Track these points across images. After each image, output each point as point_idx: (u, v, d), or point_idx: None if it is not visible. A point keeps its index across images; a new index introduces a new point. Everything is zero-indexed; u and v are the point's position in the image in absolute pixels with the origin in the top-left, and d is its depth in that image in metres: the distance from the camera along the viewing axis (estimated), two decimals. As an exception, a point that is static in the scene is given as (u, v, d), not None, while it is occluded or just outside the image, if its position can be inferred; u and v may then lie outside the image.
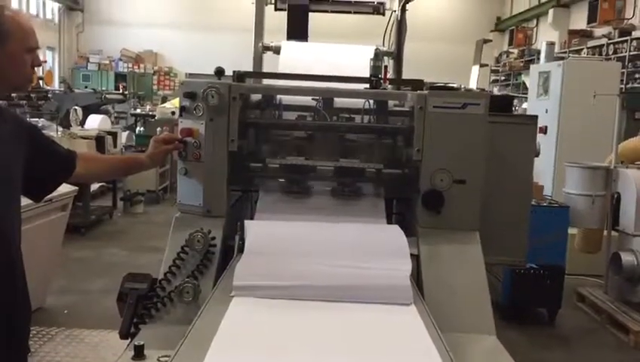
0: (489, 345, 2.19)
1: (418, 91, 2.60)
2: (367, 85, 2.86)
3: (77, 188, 5.08)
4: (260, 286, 2.04)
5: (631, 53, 11.88)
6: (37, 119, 9.89)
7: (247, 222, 2.40)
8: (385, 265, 2.17)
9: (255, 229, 2.39)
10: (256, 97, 2.86)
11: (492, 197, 2.73)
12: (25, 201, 2.12)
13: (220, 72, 2.71)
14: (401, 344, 1.79)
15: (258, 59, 3.73)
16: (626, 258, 5.43)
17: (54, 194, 4.76)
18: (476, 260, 2.45)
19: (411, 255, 2.42)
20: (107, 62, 21.39)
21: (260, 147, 2.77)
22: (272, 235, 2.38)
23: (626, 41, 12.15)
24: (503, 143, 3.03)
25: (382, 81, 2.97)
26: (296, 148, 2.78)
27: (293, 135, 2.81)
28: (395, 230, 2.45)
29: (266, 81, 3.20)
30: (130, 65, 21.34)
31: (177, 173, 2.56)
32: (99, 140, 8.32)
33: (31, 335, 4.53)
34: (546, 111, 8.01)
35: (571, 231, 5.82)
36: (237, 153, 2.54)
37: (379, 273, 2.13)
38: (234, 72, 2.71)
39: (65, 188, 4.97)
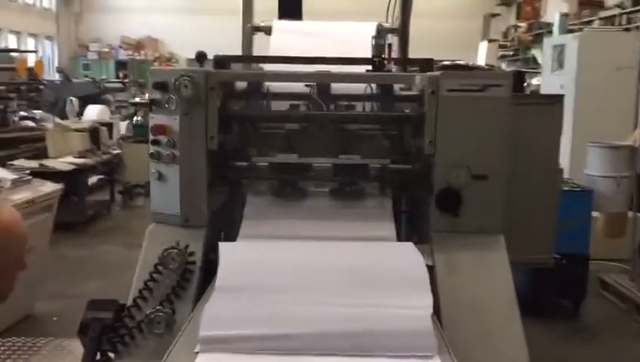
0: None
1: (428, 73, 2.23)
2: (370, 67, 2.50)
3: (61, 186, 4.75)
4: (235, 337, 1.58)
5: (646, 23, 11.35)
6: (34, 111, 9.60)
7: (221, 246, 1.98)
8: (399, 302, 1.72)
9: (230, 255, 1.92)
10: (242, 85, 2.49)
11: (514, 188, 2.36)
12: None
13: (201, 56, 2.35)
14: None
15: (247, 42, 3.34)
16: (655, 243, 5.05)
17: (36, 195, 4.47)
18: (502, 269, 2.09)
19: (426, 265, 2.06)
20: (107, 50, 21.02)
21: (246, 143, 2.41)
22: (253, 263, 1.91)
23: (640, 10, 11.61)
24: (526, 128, 2.67)
25: (386, 62, 2.59)
26: (289, 143, 2.41)
27: (285, 128, 2.44)
28: (410, 250, 2.00)
29: (256, 66, 2.82)
30: (130, 52, 20.95)
31: (149, 176, 2.21)
32: (93, 132, 7.97)
33: (16, 347, 4.28)
34: (561, 87, 7.57)
35: (594, 214, 5.44)
36: (218, 152, 2.18)
37: (391, 313, 1.67)
38: (214, 56, 2.34)
39: (48, 187, 4.66)
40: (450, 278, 2.05)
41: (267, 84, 2.47)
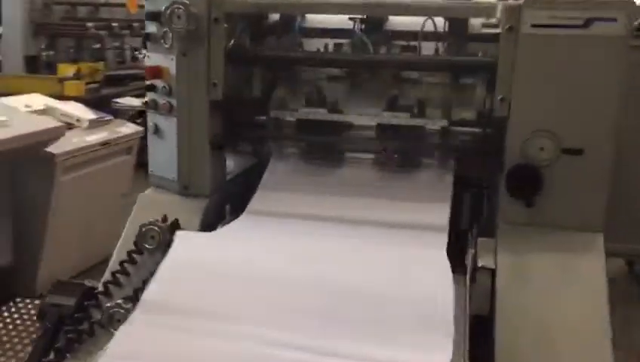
0: None
1: (510, 1, 1.59)
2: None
3: (142, 128, 4.54)
4: None
5: None
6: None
7: (178, 234, 1.52)
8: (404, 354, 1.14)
9: (180, 253, 1.43)
10: (271, 17, 1.97)
11: (618, 159, 1.72)
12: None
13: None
14: None
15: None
16: None
17: (113, 136, 4.29)
18: (596, 283, 1.48)
19: (484, 268, 1.52)
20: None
21: (265, 93, 1.92)
22: (207, 268, 1.40)
23: None
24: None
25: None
26: (322, 94, 1.88)
27: (319, 75, 1.91)
28: (441, 272, 1.36)
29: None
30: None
31: (147, 130, 1.81)
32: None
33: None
34: None
35: None
36: (230, 103, 1.72)
37: None
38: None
39: (128, 129, 4.47)
40: (518, 289, 1.48)
41: (301, 17, 1.93)
